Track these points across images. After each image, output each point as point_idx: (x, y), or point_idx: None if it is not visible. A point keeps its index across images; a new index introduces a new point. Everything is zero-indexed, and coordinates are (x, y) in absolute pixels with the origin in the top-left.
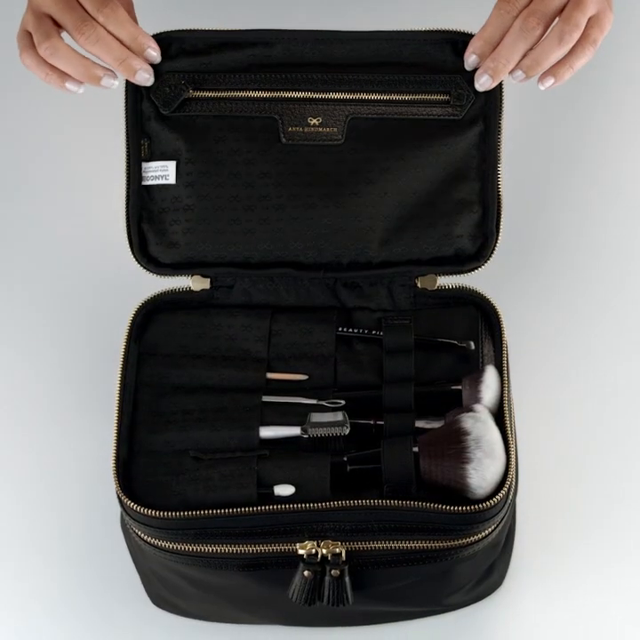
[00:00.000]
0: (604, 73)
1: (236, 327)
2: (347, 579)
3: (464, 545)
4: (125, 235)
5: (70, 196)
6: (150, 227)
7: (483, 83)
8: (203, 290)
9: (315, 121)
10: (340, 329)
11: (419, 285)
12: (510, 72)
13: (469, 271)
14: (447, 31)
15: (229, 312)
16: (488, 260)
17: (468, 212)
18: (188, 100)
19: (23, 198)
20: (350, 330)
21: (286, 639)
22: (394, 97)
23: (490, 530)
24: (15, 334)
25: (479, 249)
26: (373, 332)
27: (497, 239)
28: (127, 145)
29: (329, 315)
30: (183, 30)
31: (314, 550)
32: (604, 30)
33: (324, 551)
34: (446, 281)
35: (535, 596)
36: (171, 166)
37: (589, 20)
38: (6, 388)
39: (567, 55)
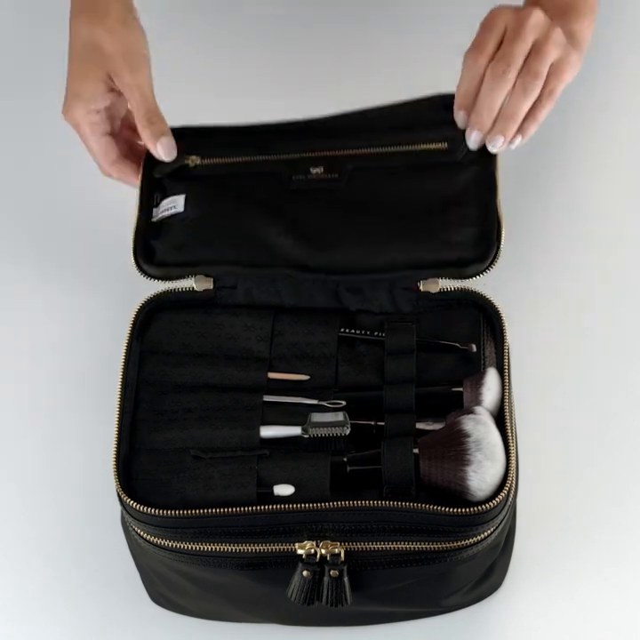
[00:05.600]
0: (606, 77)
1: (238, 327)
2: (345, 579)
3: (463, 546)
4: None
5: (76, 191)
6: (157, 242)
7: (474, 139)
8: (206, 290)
9: (318, 170)
10: (343, 330)
11: (421, 289)
12: (489, 139)
13: (472, 276)
14: (435, 96)
15: (232, 312)
16: (491, 265)
17: (468, 226)
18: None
19: (30, 192)
20: (352, 331)
21: (285, 639)
22: (395, 149)
23: (489, 531)
24: (17, 332)
25: (481, 255)
26: (375, 333)
27: (499, 246)
28: (140, 200)
29: (331, 316)
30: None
31: (313, 550)
32: (563, 78)
33: (323, 551)
34: (449, 284)
35: (535, 598)
36: (180, 200)
37: (550, 67)
38: (8, 386)
39: (529, 109)
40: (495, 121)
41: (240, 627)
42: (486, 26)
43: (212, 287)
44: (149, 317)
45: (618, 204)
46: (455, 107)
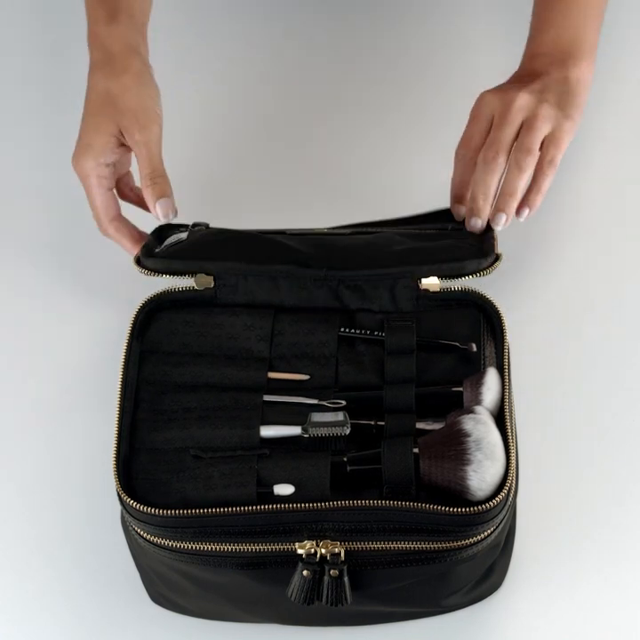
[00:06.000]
0: (603, 78)
1: (238, 326)
2: (345, 579)
3: (463, 546)
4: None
5: (77, 191)
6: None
7: (473, 225)
8: (206, 289)
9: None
10: (343, 329)
11: (421, 288)
12: (492, 218)
13: (472, 273)
14: (445, 209)
15: (232, 311)
16: (492, 265)
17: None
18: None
19: (30, 193)
20: (352, 330)
21: (285, 639)
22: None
23: (489, 531)
24: (17, 332)
25: (480, 252)
26: (375, 332)
27: (498, 257)
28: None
29: (331, 315)
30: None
31: (313, 550)
32: (561, 146)
33: (323, 551)
34: (449, 283)
35: (535, 598)
36: (183, 234)
37: (545, 139)
38: (8, 386)
39: (532, 181)
40: (493, 204)
41: (240, 627)
42: (473, 117)
43: (212, 285)
44: (149, 317)
45: (618, 203)
46: (450, 200)
